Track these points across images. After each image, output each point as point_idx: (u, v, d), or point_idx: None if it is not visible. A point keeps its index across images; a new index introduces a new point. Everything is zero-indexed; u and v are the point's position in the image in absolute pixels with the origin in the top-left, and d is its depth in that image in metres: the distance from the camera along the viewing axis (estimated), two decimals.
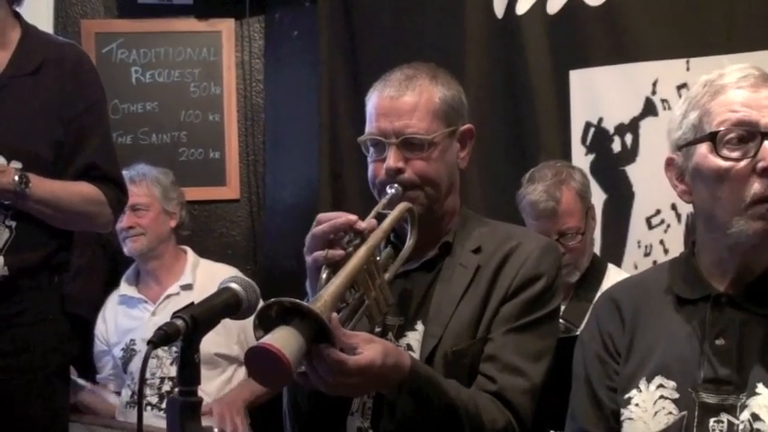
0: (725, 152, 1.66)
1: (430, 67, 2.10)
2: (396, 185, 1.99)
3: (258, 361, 1.50)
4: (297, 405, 2.00)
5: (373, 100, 2.05)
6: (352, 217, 1.85)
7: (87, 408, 3.61)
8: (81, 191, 2.59)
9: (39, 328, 2.56)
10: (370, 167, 2.07)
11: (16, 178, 2.42)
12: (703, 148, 1.69)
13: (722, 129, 1.66)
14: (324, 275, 1.80)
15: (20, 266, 2.51)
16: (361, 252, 1.79)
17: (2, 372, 2.48)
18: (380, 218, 1.94)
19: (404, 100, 2.00)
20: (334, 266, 1.79)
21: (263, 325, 1.58)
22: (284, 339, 1.51)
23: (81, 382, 3.63)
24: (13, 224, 2.50)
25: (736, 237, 1.65)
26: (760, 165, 1.62)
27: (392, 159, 1.99)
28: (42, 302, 2.58)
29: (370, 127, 2.05)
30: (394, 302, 1.96)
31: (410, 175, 2.00)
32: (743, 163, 1.64)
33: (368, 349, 1.68)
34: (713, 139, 1.67)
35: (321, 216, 1.87)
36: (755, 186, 1.62)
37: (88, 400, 3.62)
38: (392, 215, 1.94)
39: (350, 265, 1.75)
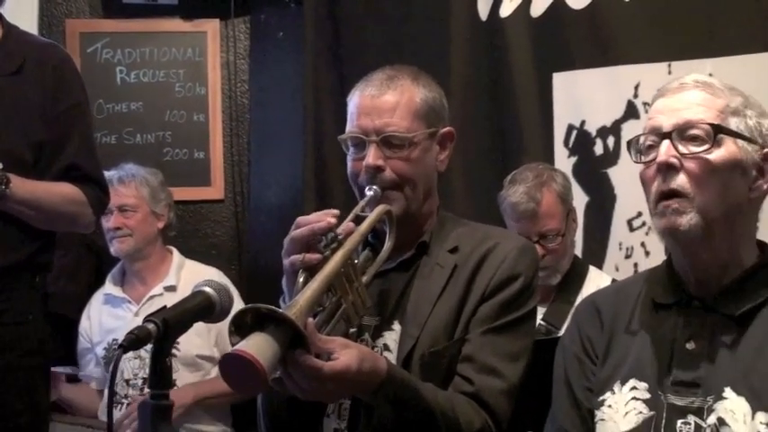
0: (643, 158, 1.73)
1: (412, 69, 2.10)
2: (375, 187, 1.99)
3: (232, 368, 1.50)
4: (272, 406, 2.00)
5: (354, 99, 2.05)
6: (332, 220, 1.84)
7: (69, 402, 3.61)
8: (62, 191, 2.59)
9: (20, 328, 2.55)
10: (350, 165, 2.06)
11: None
12: None
13: (635, 138, 1.75)
14: (301, 279, 1.79)
15: (1, 266, 2.50)
16: (338, 256, 1.79)
17: None
18: (359, 220, 1.94)
19: (385, 99, 2.00)
20: (312, 270, 1.79)
21: (239, 331, 1.58)
22: (258, 346, 1.51)
23: (60, 369, 3.62)
24: None
25: (658, 235, 1.73)
26: (657, 161, 1.69)
27: (371, 157, 1.98)
28: (24, 303, 2.58)
29: (350, 125, 2.05)
30: (372, 305, 1.95)
31: (389, 174, 1.99)
32: (653, 166, 1.70)
33: (344, 354, 1.68)
34: (629, 148, 1.76)
35: (300, 219, 1.86)
36: (655, 185, 1.69)
37: (70, 395, 3.62)
38: (370, 218, 1.94)
39: (326, 270, 1.75)
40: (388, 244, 2.01)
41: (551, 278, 3.10)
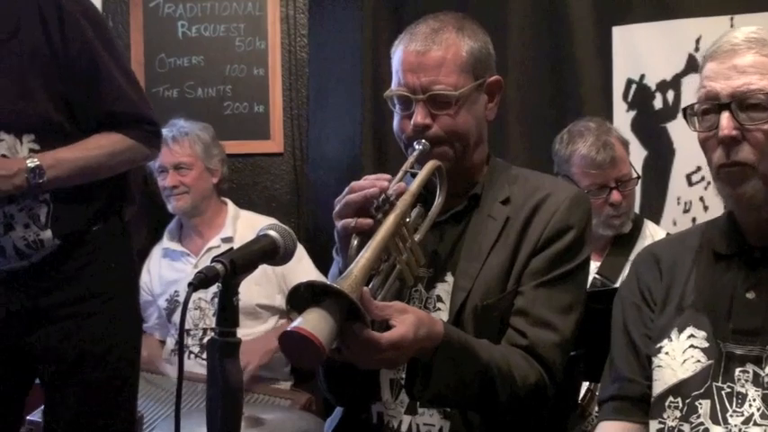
0: (702, 124, 1.72)
1: (456, 18, 2.05)
2: (423, 141, 1.98)
3: (292, 344, 1.53)
4: (329, 358, 2.01)
5: (399, 54, 2.03)
6: (384, 184, 1.85)
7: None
8: (104, 148, 2.49)
9: (104, 276, 2.55)
10: (396, 121, 2.05)
11: (30, 165, 2.35)
12: None
13: (690, 105, 1.73)
14: (354, 243, 1.81)
15: (69, 232, 2.48)
16: (390, 220, 1.79)
17: (69, 318, 2.49)
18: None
19: (430, 55, 1.97)
20: (364, 234, 1.81)
21: (296, 305, 1.60)
22: (316, 322, 1.53)
23: None
24: (48, 196, 2.45)
25: (721, 197, 1.74)
26: (718, 135, 1.66)
27: (419, 116, 1.97)
28: (105, 253, 2.57)
29: (396, 82, 2.03)
30: (425, 262, 1.96)
31: (437, 130, 1.98)
32: (711, 133, 1.69)
33: (400, 322, 1.69)
34: (684, 115, 1.75)
35: (354, 184, 1.87)
36: (717, 154, 1.68)
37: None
38: (420, 176, 1.93)
39: (379, 236, 1.76)
40: (438, 200, 2.00)
41: (625, 225, 3.10)
